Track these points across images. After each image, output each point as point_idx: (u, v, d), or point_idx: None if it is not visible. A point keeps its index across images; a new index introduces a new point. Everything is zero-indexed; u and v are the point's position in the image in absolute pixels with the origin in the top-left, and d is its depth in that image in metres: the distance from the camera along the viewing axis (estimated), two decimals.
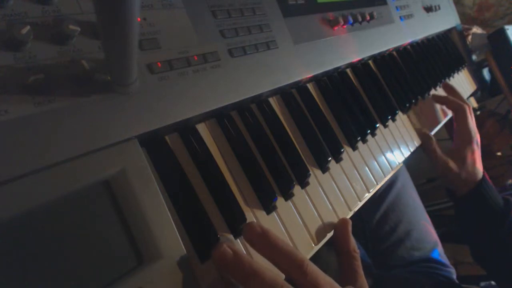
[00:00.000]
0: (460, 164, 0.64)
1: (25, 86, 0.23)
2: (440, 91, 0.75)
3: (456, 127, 0.67)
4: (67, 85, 0.25)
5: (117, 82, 0.27)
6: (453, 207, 0.72)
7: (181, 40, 0.33)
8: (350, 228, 0.38)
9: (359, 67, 0.57)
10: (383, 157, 0.52)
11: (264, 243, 0.30)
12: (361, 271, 0.35)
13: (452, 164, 0.63)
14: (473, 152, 0.65)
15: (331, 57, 0.49)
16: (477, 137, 0.66)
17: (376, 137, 0.53)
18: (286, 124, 0.42)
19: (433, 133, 0.67)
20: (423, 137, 0.62)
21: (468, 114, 0.66)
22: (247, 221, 0.33)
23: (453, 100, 0.67)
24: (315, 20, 0.49)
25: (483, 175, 0.66)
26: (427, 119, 0.67)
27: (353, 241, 0.37)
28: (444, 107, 0.72)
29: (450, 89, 0.72)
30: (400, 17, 0.68)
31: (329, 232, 0.39)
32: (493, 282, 0.93)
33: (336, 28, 0.51)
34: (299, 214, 0.38)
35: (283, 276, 0.32)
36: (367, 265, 0.66)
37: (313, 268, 0.29)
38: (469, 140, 0.65)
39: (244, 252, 0.32)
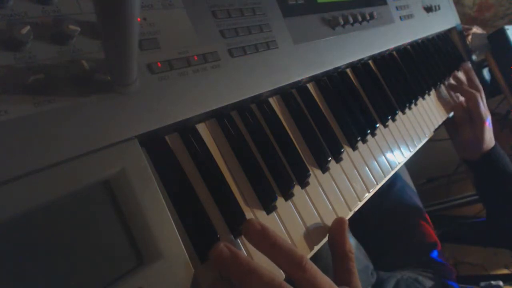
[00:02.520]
0: (478, 140, 0.77)
1: (25, 86, 0.23)
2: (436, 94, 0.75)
3: (470, 112, 0.77)
4: (67, 85, 0.25)
5: (117, 82, 0.27)
6: (472, 178, 0.87)
7: (181, 40, 0.33)
8: (346, 228, 0.37)
9: (359, 67, 0.57)
10: (383, 157, 0.52)
11: (263, 239, 0.30)
12: (356, 272, 0.34)
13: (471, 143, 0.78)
14: (486, 131, 0.77)
15: (331, 57, 0.49)
16: (489, 117, 0.78)
17: (376, 137, 0.53)
18: (286, 124, 0.42)
19: (432, 132, 0.67)
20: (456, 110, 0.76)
21: (480, 101, 0.76)
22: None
23: (466, 89, 0.77)
24: (315, 20, 0.49)
25: (496, 143, 0.80)
26: (427, 118, 0.67)
27: (348, 242, 0.36)
28: (446, 105, 0.76)
29: (468, 73, 0.81)
30: (400, 17, 0.68)
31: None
32: (493, 282, 0.93)
33: (336, 28, 0.51)
34: (299, 214, 0.38)
35: (283, 276, 0.32)
36: (367, 265, 0.66)
37: (312, 266, 0.29)
38: (482, 122, 0.76)
39: (244, 251, 0.32)
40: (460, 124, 0.78)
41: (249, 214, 0.34)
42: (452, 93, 0.80)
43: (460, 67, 0.83)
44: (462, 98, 0.79)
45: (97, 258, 0.24)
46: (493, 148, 0.79)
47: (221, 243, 0.28)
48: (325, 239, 0.39)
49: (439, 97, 0.75)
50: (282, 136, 0.40)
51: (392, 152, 0.54)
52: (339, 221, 0.38)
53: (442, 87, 0.77)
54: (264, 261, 0.31)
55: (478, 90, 0.78)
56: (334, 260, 0.36)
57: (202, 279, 0.28)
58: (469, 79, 0.81)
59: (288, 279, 0.29)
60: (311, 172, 0.40)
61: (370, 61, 0.61)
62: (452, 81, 0.80)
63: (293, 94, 0.45)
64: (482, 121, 0.76)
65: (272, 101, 0.42)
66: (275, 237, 0.29)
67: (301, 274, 0.28)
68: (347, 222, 0.38)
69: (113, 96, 0.27)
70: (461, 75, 0.83)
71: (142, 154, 0.28)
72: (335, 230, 0.37)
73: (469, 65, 0.83)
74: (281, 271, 0.32)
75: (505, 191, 0.78)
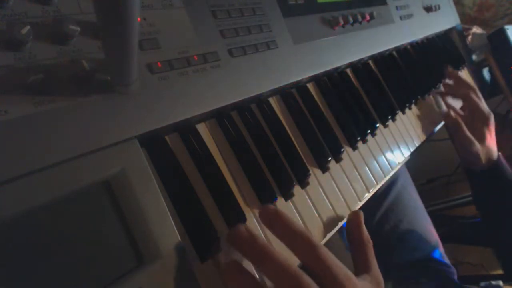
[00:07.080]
0: (481, 142, 0.68)
1: (25, 86, 0.23)
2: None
3: (470, 112, 0.71)
4: (67, 85, 0.25)
5: (117, 82, 0.27)
6: (470, 187, 0.78)
7: (181, 40, 0.33)
8: (362, 219, 0.37)
9: (359, 67, 0.57)
10: (383, 157, 0.52)
11: (279, 222, 0.30)
12: (374, 261, 0.34)
13: (475, 142, 0.67)
14: (490, 131, 0.69)
15: (331, 57, 0.49)
16: (491, 116, 0.70)
17: (376, 137, 0.53)
18: (286, 124, 0.42)
19: (432, 132, 0.67)
20: (447, 117, 0.68)
21: (476, 98, 0.70)
22: (247, 221, 0.33)
23: (458, 89, 0.72)
24: (315, 20, 0.49)
25: (499, 154, 0.71)
26: (427, 119, 0.67)
27: (366, 231, 0.36)
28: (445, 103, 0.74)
29: (455, 77, 0.75)
30: (400, 17, 0.68)
31: (329, 232, 0.39)
32: (493, 282, 0.93)
33: (336, 28, 0.51)
34: (299, 214, 0.38)
35: (298, 261, 0.31)
36: None
37: (327, 252, 0.29)
38: (485, 119, 0.69)
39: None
40: (457, 130, 0.69)
41: (249, 214, 0.34)
42: (445, 100, 0.73)
43: (446, 73, 0.75)
44: (455, 103, 0.73)
45: (97, 258, 0.24)
46: (498, 159, 0.70)
47: (241, 225, 0.29)
48: (325, 239, 0.39)
49: (439, 97, 0.75)
50: (282, 136, 0.40)
51: (392, 152, 0.54)
52: (354, 213, 0.38)
53: (442, 88, 0.77)
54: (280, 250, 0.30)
55: (472, 87, 0.72)
56: (352, 251, 0.36)
57: (202, 279, 0.28)
58: (458, 82, 0.74)
59: (303, 267, 0.29)
60: (311, 172, 0.40)
61: (370, 61, 0.61)
62: (442, 88, 0.74)
63: (293, 94, 0.45)
64: (485, 117, 0.68)
65: (272, 101, 0.42)
66: (289, 221, 0.30)
67: (317, 261, 0.28)
68: (362, 213, 0.38)
69: (113, 96, 0.27)
70: (450, 81, 0.76)
71: (142, 154, 0.28)
72: (352, 221, 0.37)
73: (453, 70, 0.75)
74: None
75: (507, 206, 0.70)
